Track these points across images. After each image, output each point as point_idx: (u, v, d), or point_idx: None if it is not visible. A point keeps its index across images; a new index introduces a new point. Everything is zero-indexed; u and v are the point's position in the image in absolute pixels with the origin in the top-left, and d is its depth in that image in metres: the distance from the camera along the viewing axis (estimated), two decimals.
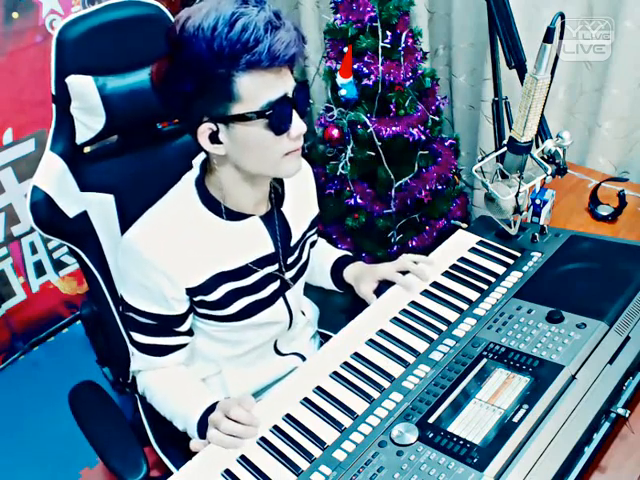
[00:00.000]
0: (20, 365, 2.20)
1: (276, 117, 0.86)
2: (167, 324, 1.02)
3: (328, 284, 1.28)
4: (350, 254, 1.29)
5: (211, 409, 0.95)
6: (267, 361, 1.18)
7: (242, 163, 0.93)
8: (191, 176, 1.02)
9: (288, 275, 1.11)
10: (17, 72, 1.86)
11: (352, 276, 1.22)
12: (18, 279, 2.13)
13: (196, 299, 1.01)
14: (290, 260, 1.10)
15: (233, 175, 0.96)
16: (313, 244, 1.30)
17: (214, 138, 0.90)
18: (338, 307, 2.08)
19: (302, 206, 1.14)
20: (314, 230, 1.21)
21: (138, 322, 1.02)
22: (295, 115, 0.89)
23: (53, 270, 2.23)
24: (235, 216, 1.01)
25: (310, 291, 1.35)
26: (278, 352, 1.19)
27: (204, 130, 0.89)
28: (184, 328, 1.04)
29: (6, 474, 1.86)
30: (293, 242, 1.10)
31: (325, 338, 1.30)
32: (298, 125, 0.89)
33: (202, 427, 0.95)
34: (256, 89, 0.84)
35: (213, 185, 0.99)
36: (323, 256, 1.29)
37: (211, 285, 1.00)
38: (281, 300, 1.11)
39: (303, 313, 1.24)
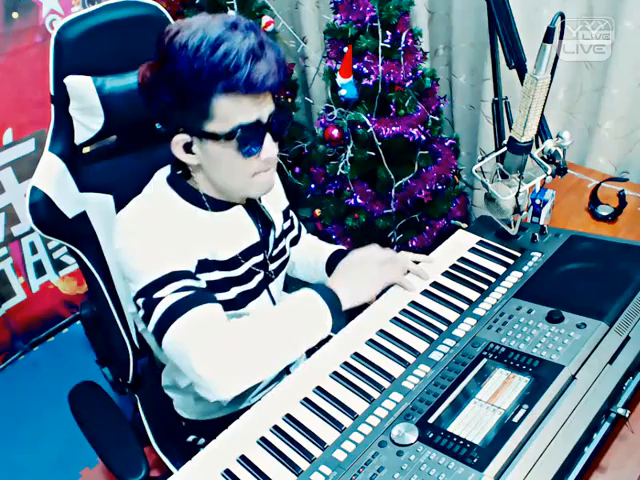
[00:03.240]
0: (20, 365, 2.20)
1: (244, 141, 0.89)
2: (190, 276, 0.92)
3: (325, 280, 1.28)
4: (344, 248, 1.30)
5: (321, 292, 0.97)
6: None
7: (212, 177, 0.96)
8: (160, 177, 1.02)
9: (272, 267, 1.12)
10: (17, 72, 1.86)
11: None
12: (18, 279, 2.13)
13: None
14: (275, 252, 1.12)
15: (207, 184, 0.99)
16: (296, 240, 1.31)
17: (188, 148, 0.92)
18: None
19: (274, 199, 1.16)
20: (288, 223, 1.23)
21: (165, 294, 0.89)
22: (268, 139, 0.91)
23: (53, 270, 2.23)
24: (219, 205, 1.02)
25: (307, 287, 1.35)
26: None
27: (179, 140, 0.92)
28: (202, 283, 0.96)
29: (6, 474, 1.86)
30: (278, 234, 1.12)
31: None
32: (269, 149, 0.92)
33: (332, 308, 0.96)
34: (230, 111, 0.87)
35: (192, 180, 1.01)
36: (317, 252, 1.29)
37: (204, 267, 0.99)
38: (265, 292, 1.12)
39: None
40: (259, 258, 1.08)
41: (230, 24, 0.85)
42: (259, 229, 1.08)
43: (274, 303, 1.15)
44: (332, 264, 1.24)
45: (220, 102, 0.85)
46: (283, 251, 1.15)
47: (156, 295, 0.89)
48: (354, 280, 1.02)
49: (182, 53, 0.83)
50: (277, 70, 0.86)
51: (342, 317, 0.97)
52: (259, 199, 1.10)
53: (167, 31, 0.87)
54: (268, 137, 0.91)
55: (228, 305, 1.04)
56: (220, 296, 1.02)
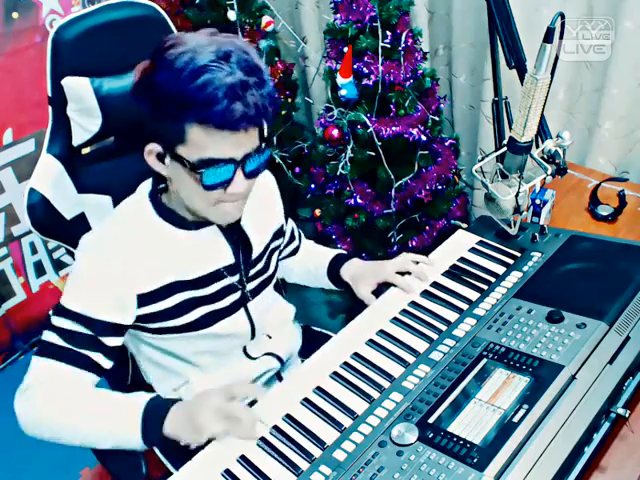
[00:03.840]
0: (20, 365, 2.20)
1: (207, 176, 0.86)
2: (94, 330, 0.94)
3: (326, 284, 1.28)
4: (344, 252, 1.29)
5: (154, 402, 0.90)
6: (237, 366, 1.15)
7: (180, 193, 0.94)
8: (144, 189, 1.01)
9: (250, 287, 1.09)
10: (17, 72, 1.86)
11: (350, 275, 1.21)
12: (18, 279, 2.13)
13: (145, 310, 0.98)
14: (252, 272, 1.09)
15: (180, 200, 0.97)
16: (296, 251, 1.29)
17: (161, 158, 0.91)
18: (338, 307, 2.08)
19: (264, 217, 1.12)
20: (280, 241, 1.19)
21: (62, 326, 0.94)
22: (239, 175, 0.88)
23: (53, 270, 2.23)
24: (193, 225, 1.00)
25: (309, 290, 1.35)
26: (249, 356, 1.16)
27: (152, 149, 0.90)
28: (110, 342, 0.96)
29: (6, 474, 1.86)
30: (255, 254, 1.08)
31: (322, 337, 1.29)
32: (237, 186, 0.89)
33: (151, 420, 0.88)
34: (202, 142, 0.84)
35: (168, 197, 0.99)
36: (316, 258, 1.28)
37: (165, 293, 0.98)
38: (242, 311, 1.09)
39: (269, 336, 1.20)
40: (234, 279, 1.05)
41: (223, 53, 0.81)
42: (234, 250, 1.04)
43: (252, 322, 1.11)
44: (333, 269, 1.24)
45: (193, 130, 0.83)
46: (265, 269, 1.12)
47: (55, 322, 0.94)
48: (192, 415, 0.89)
49: (167, 70, 0.81)
50: (255, 114, 0.82)
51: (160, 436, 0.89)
52: (239, 220, 1.05)
53: (165, 41, 0.85)
54: (239, 174, 0.88)
55: (194, 325, 1.03)
56: (185, 318, 1.02)
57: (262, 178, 1.12)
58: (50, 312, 0.97)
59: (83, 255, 0.97)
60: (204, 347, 1.09)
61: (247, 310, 1.10)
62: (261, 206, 1.10)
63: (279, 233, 1.17)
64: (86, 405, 0.93)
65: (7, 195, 1.99)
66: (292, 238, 1.27)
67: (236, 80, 0.80)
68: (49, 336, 0.94)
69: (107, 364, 0.98)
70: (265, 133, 0.90)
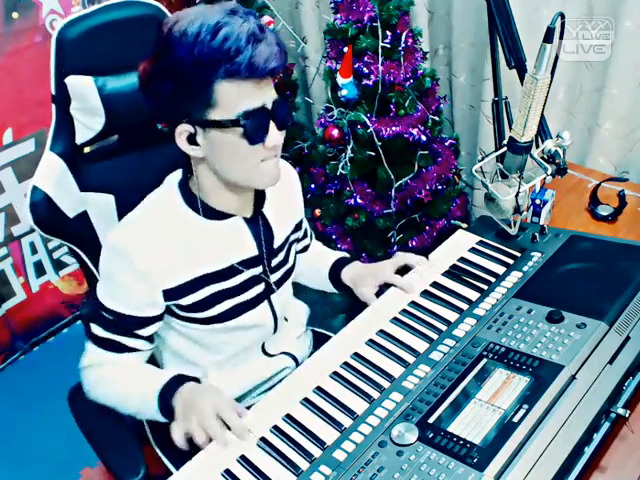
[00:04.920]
0: (20, 365, 2.20)
1: (251, 127, 0.87)
2: (130, 324, 1.01)
3: (328, 287, 1.28)
4: (347, 255, 1.29)
5: (173, 382, 0.98)
6: (255, 362, 1.17)
7: (218, 167, 0.94)
8: (174, 178, 1.02)
9: (273, 278, 1.10)
10: (17, 72, 1.86)
11: (350, 278, 1.21)
12: (18, 279, 2.13)
13: (172, 303, 1.01)
14: (274, 262, 1.10)
15: (213, 179, 0.97)
16: (305, 249, 1.30)
17: (192, 140, 0.91)
18: (338, 307, 2.08)
19: (285, 209, 1.14)
20: (299, 234, 1.21)
21: (101, 315, 1.01)
22: (272, 127, 0.90)
23: (53, 270, 2.23)
24: (217, 216, 1.01)
25: (309, 291, 1.35)
26: (266, 353, 1.18)
27: (182, 131, 0.90)
28: (145, 333, 1.03)
29: (6, 474, 1.86)
30: (276, 244, 1.09)
31: (323, 337, 1.30)
32: (274, 137, 0.91)
33: (165, 397, 0.96)
34: (234, 97, 0.85)
35: (195, 186, 1.00)
36: (320, 259, 1.29)
37: (192, 287, 1.00)
38: (265, 303, 1.10)
39: (285, 319, 1.22)
40: (257, 270, 1.07)
41: (229, 10, 0.84)
42: (258, 242, 1.06)
43: (274, 313, 1.13)
44: (335, 271, 1.24)
45: (223, 88, 0.84)
46: (285, 261, 1.13)
47: (96, 312, 1.02)
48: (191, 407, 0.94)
49: (182, 40, 0.82)
50: (278, 53, 0.85)
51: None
52: (261, 207, 1.07)
53: (165, 22, 0.86)
54: (272, 125, 0.90)
55: (220, 317, 1.04)
56: (211, 311, 1.03)
57: (286, 170, 1.15)
58: (90, 298, 1.05)
59: (107, 252, 0.99)
60: (228, 339, 1.10)
61: (270, 302, 1.11)
62: (283, 197, 1.12)
63: (299, 226, 1.19)
64: (125, 381, 1.03)
65: (7, 195, 1.99)
66: (305, 235, 1.28)
67: (253, 25, 0.83)
68: (92, 326, 1.03)
69: (147, 346, 1.06)
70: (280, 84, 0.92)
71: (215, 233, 1.01)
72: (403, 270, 1.17)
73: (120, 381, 1.03)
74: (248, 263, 1.05)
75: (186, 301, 1.01)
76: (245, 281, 1.05)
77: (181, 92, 0.86)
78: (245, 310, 1.07)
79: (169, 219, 0.99)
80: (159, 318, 1.03)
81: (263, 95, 0.88)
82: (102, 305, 1.00)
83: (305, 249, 1.31)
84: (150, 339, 1.05)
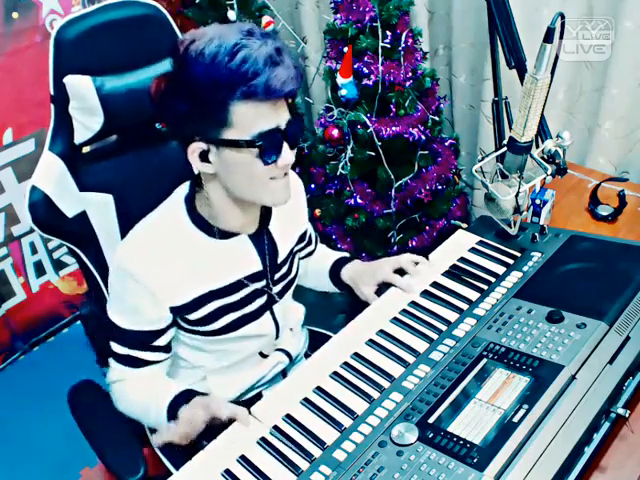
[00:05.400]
0: (20, 365, 2.20)
1: (265, 148, 0.88)
2: (144, 338, 1.03)
3: (329, 287, 1.28)
4: (347, 255, 1.29)
5: (182, 395, 0.99)
6: (252, 365, 1.17)
7: (229, 185, 0.95)
8: (181, 192, 1.02)
9: (275, 290, 1.11)
10: (17, 72, 1.86)
11: (349, 277, 1.22)
12: (18, 279, 2.13)
13: (179, 316, 1.03)
14: (277, 276, 1.10)
15: (222, 195, 0.98)
16: (310, 254, 1.30)
17: (204, 157, 0.91)
18: (338, 307, 2.08)
19: (290, 223, 1.14)
20: (302, 244, 1.21)
21: (117, 333, 1.04)
22: (285, 146, 0.90)
23: (53, 270, 2.23)
24: (223, 235, 1.01)
25: (308, 291, 1.35)
26: (262, 355, 1.18)
27: (195, 149, 0.90)
28: (161, 342, 1.05)
29: (6, 474, 1.86)
30: (280, 259, 1.10)
31: (322, 337, 1.30)
32: (286, 157, 0.91)
33: (174, 408, 0.97)
34: (250, 118, 0.86)
35: (203, 203, 1.00)
36: (322, 261, 1.29)
37: (197, 304, 1.01)
38: (267, 314, 1.11)
39: (291, 329, 1.23)
40: (261, 284, 1.07)
41: (246, 31, 0.84)
42: (262, 257, 1.06)
43: (276, 323, 1.14)
44: (334, 271, 1.25)
45: (239, 109, 0.84)
46: (288, 272, 1.14)
47: (112, 330, 1.04)
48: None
49: (199, 60, 0.82)
50: (295, 76, 0.85)
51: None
52: (267, 224, 1.08)
53: (181, 41, 0.86)
54: (285, 145, 0.90)
55: (223, 330, 1.05)
56: (215, 325, 1.04)
57: (292, 182, 1.15)
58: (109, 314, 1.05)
59: (116, 272, 1.01)
60: (231, 348, 1.11)
61: (272, 312, 1.12)
62: (289, 211, 1.12)
63: (302, 237, 1.20)
64: (142, 396, 1.05)
65: (7, 195, 1.99)
66: (309, 242, 1.28)
67: (270, 48, 0.83)
68: (111, 343, 1.05)
69: (163, 356, 1.07)
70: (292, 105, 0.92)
71: (220, 251, 1.02)
72: (403, 270, 1.17)
73: (138, 396, 1.05)
74: (252, 278, 1.06)
75: (192, 317, 1.02)
76: (248, 295, 1.06)
77: (196, 111, 0.86)
78: (248, 322, 1.08)
79: (175, 237, 0.99)
80: (171, 326, 1.05)
81: (278, 116, 0.88)
82: (114, 324, 1.03)
83: (310, 254, 1.31)
84: (167, 348, 1.07)
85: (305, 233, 1.21)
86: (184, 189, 1.02)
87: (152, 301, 0.98)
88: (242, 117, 0.85)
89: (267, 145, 0.88)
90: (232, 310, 1.05)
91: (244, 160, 0.89)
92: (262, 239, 1.07)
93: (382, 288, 1.16)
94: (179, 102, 0.86)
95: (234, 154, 0.88)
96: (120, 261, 0.99)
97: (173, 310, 1.00)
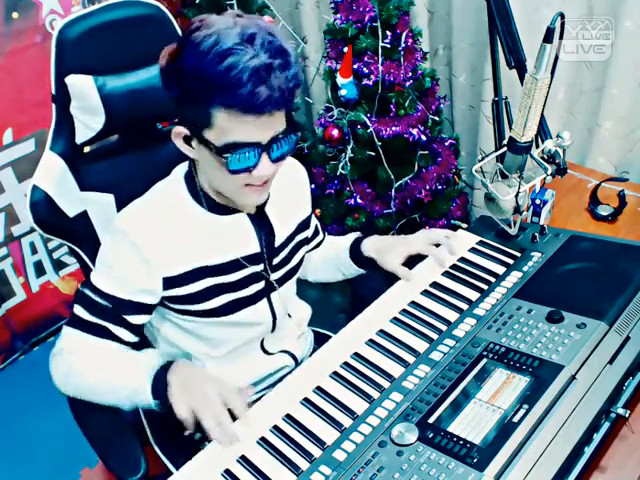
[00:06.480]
0: (20, 365, 2.20)
1: (233, 160, 0.86)
2: (119, 309, 0.98)
3: (348, 270, 1.25)
4: (361, 235, 1.27)
5: (166, 367, 0.93)
6: (253, 360, 1.16)
7: (208, 175, 0.95)
8: (181, 169, 1.03)
9: (274, 277, 1.10)
10: (17, 72, 1.86)
11: (375, 249, 1.19)
12: (18, 279, 2.13)
13: (170, 293, 1.00)
14: (276, 261, 1.10)
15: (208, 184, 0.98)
16: (319, 245, 1.30)
17: (188, 141, 0.91)
18: (338, 307, 2.08)
19: (289, 208, 1.13)
20: (307, 232, 1.19)
21: (90, 299, 0.99)
22: (264, 159, 0.88)
23: (53, 270, 2.23)
24: (222, 210, 1.01)
25: (309, 290, 1.35)
26: (265, 351, 1.17)
27: (180, 131, 0.91)
28: (133, 320, 1.00)
29: (6, 474, 1.86)
30: (277, 243, 1.09)
31: (323, 337, 1.30)
32: (263, 170, 0.89)
33: (159, 384, 0.91)
34: (228, 126, 0.84)
35: (201, 179, 1.00)
36: (335, 246, 1.28)
37: (190, 277, 1.00)
38: (264, 301, 1.10)
39: (289, 315, 1.21)
40: (259, 267, 1.07)
41: (247, 36, 0.80)
42: (260, 239, 1.06)
43: (274, 312, 1.12)
44: (355, 249, 1.22)
45: (219, 114, 0.83)
46: (287, 260, 1.12)
47: (83, 295, 1.00)
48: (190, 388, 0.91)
49: (193, 53, 0.81)
50: (280, 97, 0.82)
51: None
52: (264, 206, 1.06)
53: (192, 22, 0.85)
54: (265, 157, 0.88)
55: (217, 311, 1.04)
56: (209, 304, 1.03)
57: (294, 169, 1.15)
58: (79, 286, 1.02)
59: (113, 236, 1.00)
60: (224, 334, 1.10)
61: (270, 300, 1.11)
62: (289, 196, 1.11)
63: (304, 225, 1.18)
64: (105, 364, 0.99)
65: (7, 195, 1.99)
66: (316, 232, 1.27)
67: (260, 63, 0.80)
68: (77, 309, 1.00)
69: (131, 338, 1.03)
70: (292, 116, 0.90)
71: (218, 227, 1.01)
72: (414, 260, 1.16)
73: (96, 368, 0.99)
74: (250, 259, 1.05)
75: (184, 291, 1.00)
76: (245, 277, 1.05)
77: (184, 100, 0.86)
78: (243, 306, 1.07)
79: (175, 210, 0.99)
80: (151, 309, 1.02)
81: (260, 132, 0.85)
82: (95, 288, 0.99)
83: (318, 245, 1.30)
84: (135, 331, 1.02)
85: (308, 221, 1.20)
86: (184, 166, 1.03)
87: (145, 269, 0.96)
88: (221, 122, 0.83)
89: (237, 158, 0.86)
90: (227, 291, 1.04)
91: (215, 162, 0.88)
92: (260, 221, 1.06)
93: (381, 287, 1.16)
94: (172, 84, 0.86)
95: (208, 154, 0.88)
96: (121, 225, 0.98)
97: (166, 282, 0.98)
